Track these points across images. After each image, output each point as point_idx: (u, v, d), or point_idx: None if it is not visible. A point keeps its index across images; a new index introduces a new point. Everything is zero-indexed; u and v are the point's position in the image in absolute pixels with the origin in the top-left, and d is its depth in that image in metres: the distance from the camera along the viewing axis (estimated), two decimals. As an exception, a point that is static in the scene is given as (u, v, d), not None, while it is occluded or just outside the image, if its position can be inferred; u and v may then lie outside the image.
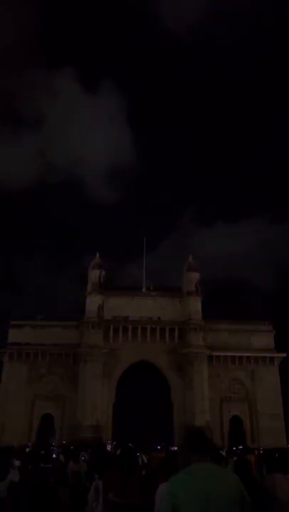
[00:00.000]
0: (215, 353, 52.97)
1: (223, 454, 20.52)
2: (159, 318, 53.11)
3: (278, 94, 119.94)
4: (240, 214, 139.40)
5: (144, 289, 54.92)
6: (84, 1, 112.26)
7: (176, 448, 30.23)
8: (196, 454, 3.84)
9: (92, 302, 53.01)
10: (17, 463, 15.11)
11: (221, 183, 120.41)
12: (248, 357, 53.51)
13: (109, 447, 28.81)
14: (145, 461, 18.07)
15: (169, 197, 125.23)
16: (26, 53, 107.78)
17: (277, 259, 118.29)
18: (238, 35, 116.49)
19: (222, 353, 53.34)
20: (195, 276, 55.35)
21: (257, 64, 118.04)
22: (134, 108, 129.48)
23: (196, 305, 53.82)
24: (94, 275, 54.27)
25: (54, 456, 19.54)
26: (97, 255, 55.88)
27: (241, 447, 36.55)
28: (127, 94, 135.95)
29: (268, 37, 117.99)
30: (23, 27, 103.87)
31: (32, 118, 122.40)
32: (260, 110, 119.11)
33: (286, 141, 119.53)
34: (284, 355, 54.34)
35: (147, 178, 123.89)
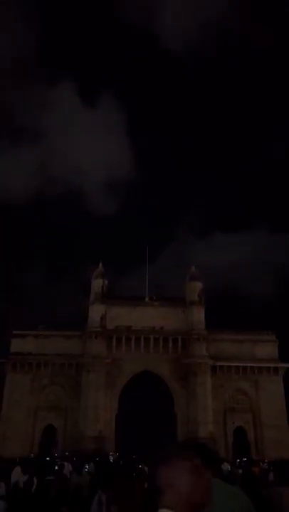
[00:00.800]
0: (218, 363, 52.64)
1: (228, 467, 20.26)
2: (161, 327, 52.89)
3: (271, 99, 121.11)
4: (239, 224, 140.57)
5: (146, 299, 54.79)
6: (82, 18, 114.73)
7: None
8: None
9: (95, 312, 52.88)
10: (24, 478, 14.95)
11: (219, 194, 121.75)
12: (251, 367, 53.16)
13: (111, 458, 28.48)
14: (147, 472, 17.86)
15: (168, 207, 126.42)
16: (26, 68, 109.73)
17: (277, 268, 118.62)
18: (230, 46, 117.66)
19: (225, 363, 53.01)
20: (198, 285, 55.20)
21: (250, 70, 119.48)
22: (132, 120, 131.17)
23: (199, 315, 53.60)
24: (97, 285, 54.20)
25: (56, 468, 19.36)
26: (100, 265, 55.88)
27: (245, 459, 36.17)
28: (125, 107, 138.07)
29: (259, 41, 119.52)
30: (23, 44, 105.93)
31: (32, 131, 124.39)
32: (257, 121, 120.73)
33: (284, 150, 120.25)
34: (288, 365, 53.93)
35: (146, 189, 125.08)
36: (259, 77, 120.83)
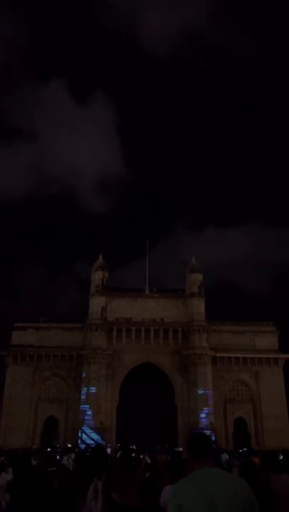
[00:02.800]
0: (219, 355, 52.85)
1: (227, 457, 20.43)
2: (162, 319, 53.02)
3: (260, 98, 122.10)
4: (234, 219, 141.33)
5: (147, 291, 54.85)
6: (72, 21, 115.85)
7: (180, 449, 30.14)
8: (199, 459, 3.73)
9: (96, 304, 52.98)
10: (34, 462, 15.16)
11: (213, 189, 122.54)
12: (251, 358, 53.37)
13: (108, 450, 28.67)
14: (148, 462, 18.00)
15: (161, 204, 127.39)
16: (19, 69, 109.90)
17: (273, 262, 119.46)
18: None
19: (226, 355, 53.23)
20: (198, 277, 55.25)
21: (236, 71, 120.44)
22: (123, 118, 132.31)
23: (199, 306, 53.68)
24: (97, 277, 54.25)
25: (58, 458, 19.50)
26: (100, 257, 55.89)
27: (245, 449, 36.37)
28: (118, 106, 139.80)
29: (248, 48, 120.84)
30: (16, 47, 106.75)
31: (25, 131, 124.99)
32: (248, 117, 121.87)
33: (273, 146, 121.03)
34: (287, 356, 54.13)
35: (139, 187, 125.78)
36: (246, 79, 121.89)
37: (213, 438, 45.17)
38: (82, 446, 41.54)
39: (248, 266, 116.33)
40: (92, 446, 37.97)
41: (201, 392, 49.98)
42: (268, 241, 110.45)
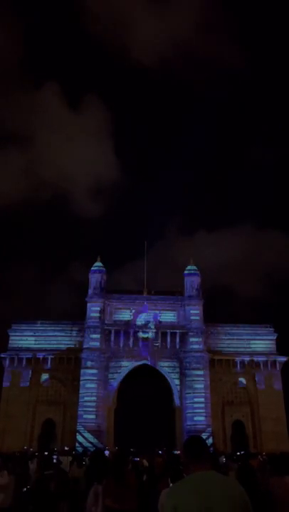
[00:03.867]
0: (216, 357, 52.83)
1: (224, 459, 20.37)
2: (160, 321, 52.97)
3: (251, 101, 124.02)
4: (226, 222, 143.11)
5: (145, 293, 54.80)
6: (61, 29, 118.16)
7: (178, 452, 30.02)
8: (195, 462, 3.72)
9: (93, 306, 52.90)
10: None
11: (205, 194, 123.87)
12: (249, 361, 53.36)
13: (106, 452, 28.58)
14: (146, 465, 17.92)
15: (154, 208, 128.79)
16: (12, 75, 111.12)
17: (266, 265, 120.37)
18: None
19: (224, 357, 53.23)
20: (196, 279, 55.26)
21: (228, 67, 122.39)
22: (117, 124, 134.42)
23: (197, 308, 53.69)
24: (95, 279, 54.20)
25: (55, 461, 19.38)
26: (98, 259, 55.84)
27: (243, 453, 36.28)
28: (111, 109, 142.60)
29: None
30: (8, 53, 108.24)
31: (20, 136, 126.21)
32: (238, 123, 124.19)
33: (266, 151, 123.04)
34: (285, 359, 54.12)
35: (133, 189, 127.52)
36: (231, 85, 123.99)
37: (210, 441, 45.10)
38: (80, 449, 41.39)
39: (241, 269, 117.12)
40: (89, 449, 37.91)
41: (199, 394, 49.92)
42: (260, 243, 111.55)
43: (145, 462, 18.51)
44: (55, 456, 19.46)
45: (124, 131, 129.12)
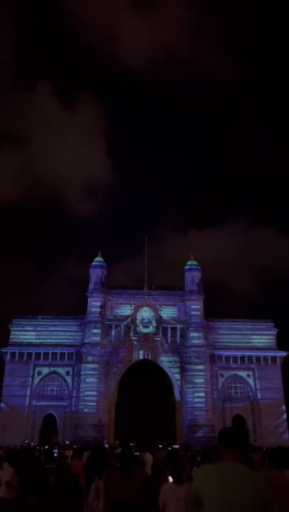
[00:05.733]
0: (217, 352, 52.94)
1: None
2: (160, 317, 53.04)
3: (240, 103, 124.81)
4: (220, 219, 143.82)
5: (145, 288, 54.84)
6: (50, 32, 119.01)
7: (177, 446, 30.10)
8: (225, 450, 3.87)
9: (94, 301, 52.97)
10: None
11: (199, 191, 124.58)
12: (249, 356, 53.44)
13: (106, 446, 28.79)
14: (150, 460, 17.99)
15: (147, 206, 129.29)
16: (6, 74, 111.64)
17: (257, 263, 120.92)
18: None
19: (224, 352, 53.32)
20: (196, 275, 55.29)
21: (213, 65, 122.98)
22: (110, 124, 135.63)
23: (197, 304, 53.75)
24: (95, 274, 54.23)
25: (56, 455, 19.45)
26: (99, 254, 55.86)
27: (244, 446, 36.39)
28: (105, 107, 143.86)
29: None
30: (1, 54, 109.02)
31: (14, 135, 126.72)
32: (227, 120, 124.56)
33: (256, 152, 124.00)
34: (284, 353, 54.20)
35: (125, 190, 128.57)
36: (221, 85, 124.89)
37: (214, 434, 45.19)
38: (80, 444, 41.53)
39: (235, 265, 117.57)
40: (91, 443, 37.98)
41: (199, 389, 50.07)
42: (252, 241, 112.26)
43: (149, 456, 18.53)
44: (55, 450, 19.53)
45: (117, 129, 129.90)
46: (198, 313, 53.36)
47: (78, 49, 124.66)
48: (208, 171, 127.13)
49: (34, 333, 53.42)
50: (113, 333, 52.04)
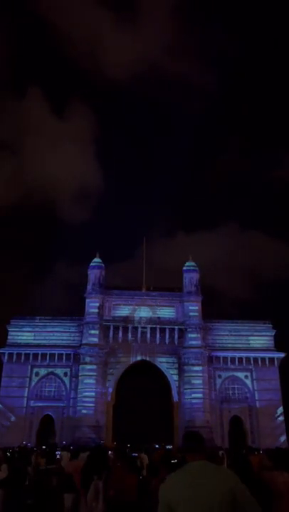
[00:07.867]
0: (215, 353, 52.98)
1: (221, 454, 20.53)
2: (158, 317, 53.08)
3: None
4: (213, 222, 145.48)
5: (144, 289, 54.86)
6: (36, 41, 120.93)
7: (170, 447, 30.18)
8: (191, 453, 4.08)
9: (92, 302, 52.96)
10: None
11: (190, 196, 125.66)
12: (247, 357, 53.49)
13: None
14: (146, 461, 18.02)
15: (137, 211, 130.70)
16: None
17: (249, 267, 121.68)
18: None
19: (222, 353, 53.36)
20: (195, 276, 55.34)
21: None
22: (100, 130, 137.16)
23: (195, 305, 53.79)
24: (94, 275, 54.24)
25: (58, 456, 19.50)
26: (97, 255, 55.87)
27: (243, 448, 36.45)
28: (95, 113, 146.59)
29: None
30: None
31: (6, 142, 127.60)
32: (216, 125, 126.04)
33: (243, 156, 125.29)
34: (282, 355, 54.27)
35: (114, 195, 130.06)
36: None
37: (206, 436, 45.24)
38: (77, 445, 41.51)
39: (228, 268, 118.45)
40: (89, 444, 37.95)
41: (197, 390, 50.09)
42: (244, 244, 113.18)
43: (145, 458, 18.57)
44: (58, 452, 19.59)
45: (108, 135, 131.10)
46: (197, 314, 53.40)
47: (66, 60, 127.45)
48: (197, 177, 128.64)
49: (32, 333, 53.38)
50: (111, 334, 52.01)
